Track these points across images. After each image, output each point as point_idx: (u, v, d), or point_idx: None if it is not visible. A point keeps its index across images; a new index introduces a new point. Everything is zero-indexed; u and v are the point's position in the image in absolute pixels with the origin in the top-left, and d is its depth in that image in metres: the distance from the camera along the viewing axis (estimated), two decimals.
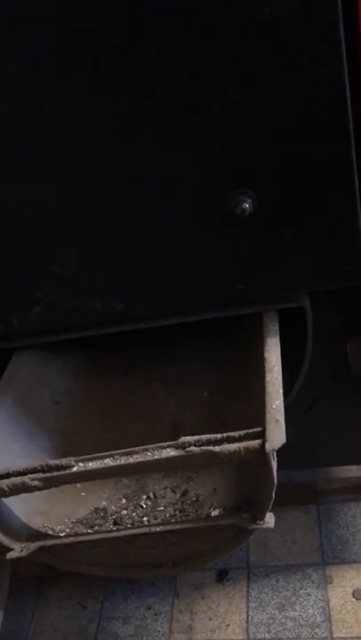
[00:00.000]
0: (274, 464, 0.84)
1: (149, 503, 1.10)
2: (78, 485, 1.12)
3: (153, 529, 0.93)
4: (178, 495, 1.10)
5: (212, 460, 0.87)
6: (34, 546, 0.97)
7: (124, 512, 1.09)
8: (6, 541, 0.96)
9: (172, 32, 0.81)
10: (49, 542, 0.97)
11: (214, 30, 0.80)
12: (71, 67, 0.84)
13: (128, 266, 1.01)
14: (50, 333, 1.11)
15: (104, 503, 1.11)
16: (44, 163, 0.92)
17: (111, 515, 1.08)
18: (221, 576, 1.41)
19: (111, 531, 1.00)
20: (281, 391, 0.90)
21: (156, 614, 1.38)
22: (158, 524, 0.95)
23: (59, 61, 0.84)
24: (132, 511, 1.09)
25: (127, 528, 0.99)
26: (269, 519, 0.89)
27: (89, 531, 1.03)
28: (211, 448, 0.86)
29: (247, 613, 1.33)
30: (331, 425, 1.27)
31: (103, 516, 1.08)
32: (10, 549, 0.97)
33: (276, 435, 0.83)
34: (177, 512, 1.06)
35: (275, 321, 1.05)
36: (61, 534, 1.03)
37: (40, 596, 1.48)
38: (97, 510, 1.10)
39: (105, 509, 1.10)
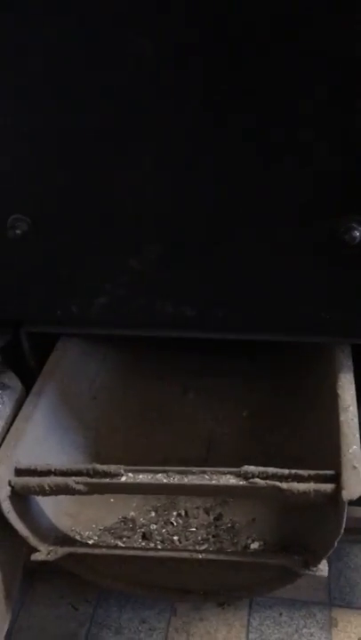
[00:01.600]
0: (345, 513, 0.79)
1: (180, 521, 1.04)
2: None
3: (194, 555, 0.87)
4: (211, 518, 1.04)
5: (275, 495, 0.82)
6: (62, 551, 0.91)
7: (154, 526, 1.03)
8: (34, 542, 0.90)
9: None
10: (80, 550, 0.91)
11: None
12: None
13: (211, 274, 0.95)
14: (107, 327, 1.05)
15: (132, 513, 1.06)
16: (146, 150, 0.86)
17: (140, 527, 1.03)
18: (222, 600, 1.36)
19: (149, 549, 0.94)
20: (358, 435, 0.85)
21: (150, 629, 1.32)
22: (200, 552, 0.89)
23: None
24: (162, 527, 1.03)
25: (166, 549, 0.94)
26: (323, 567, 0.84)
27: (120, 543, 0.97)
28: (277, 484, 0.81)
29: None
30: None
31: (132, 528, 1.02)
32: (36, 550, 0.91)
33: (355, 483, 0.78)
34: (210, 536, 1.01)
35: (348, 356, 1.00)
36: (89, 541, 0.98)
37: (30, 589, 1.41)
38: (125, 520, 1.04)
39: (133, 520, 1.04)
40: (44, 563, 0.91)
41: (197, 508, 1.07)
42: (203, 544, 0.98)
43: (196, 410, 1.26)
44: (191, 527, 1.03)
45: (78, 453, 1.08)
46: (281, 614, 1.33)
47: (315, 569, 0.84)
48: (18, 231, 0.92)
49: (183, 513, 1.06)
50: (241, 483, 0.83)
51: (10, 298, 1.02)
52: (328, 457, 0.87)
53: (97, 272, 0.97)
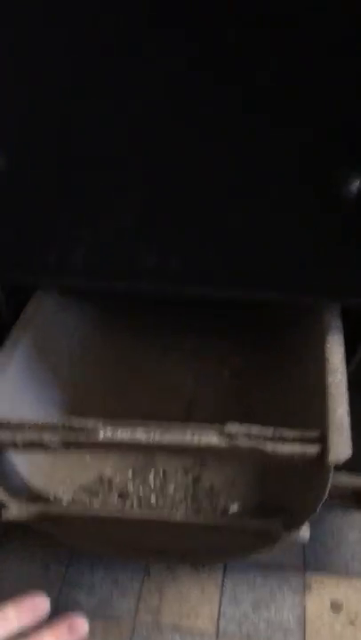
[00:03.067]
0: (330, 476, 0.77)
1: (158, 482, 1.01)
2: None
3: (173, 517, 0.84)
4: (190, 479, 1.02)
5: (258, 456, 0.79)
6: (34, 509, 0.87)
7: (131, 486, 1.00)
8: (5, 499, 0.86)
9: None
10: (53, 509, 0.88)
11: None
12: None
13: (199, 225, 0.89)
14: (87, 279, 0.99)
15: (109, 471, 1.02)
16: (135, 86, 0.79)
17: (116, 486, 1.00)
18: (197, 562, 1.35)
19: (126, 510, 0.91)
20: (346, 397, 0.82)
21: (123, 589, 1.30)
22: (178, 514, 0.86)
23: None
24: (139, 486, 1.00)
25: (143, 511, 0.90)
26: (305, 532, 0.82)
27: (95, 502, 0.94)
28: (261, 444, 0.78)
29: (219, 606, 1.27)
30: None
31: (108, 487, 0.99)
32: (7, 508, 0.87)
33: (342, 445, 0.75)
34: (188, 497, 0.98)
35: (337, 317, 0.96)
36: (63, 499, 0.94)
37: (1, 548, 1.38)
38: (101, 478, 1.01)
39: (110, 479, 1.01)
40: (15, 521, 0.87)
41: (176, 467, 1.04)
42: (180, 505, 0.96)
43: (177, 369, 1.23)
44: (169, 487, 1.00)
45: (55, 410, 1.04)
46: (255, 577, 1.32)
47: (295, 533, 0.81)
48: None
49: (161, 472, 1.03)
50: (224, 442, 0.79)
51: None
52: (314, 420, 0.84)
53: (77, 217, 0.91)
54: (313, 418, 0.85)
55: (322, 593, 1.29)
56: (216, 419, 0.84)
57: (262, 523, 0.83)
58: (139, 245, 0.93)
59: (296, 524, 0.81)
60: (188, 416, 1.14)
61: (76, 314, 1.18)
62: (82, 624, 0.61)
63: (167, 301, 1.26)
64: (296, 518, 0.82)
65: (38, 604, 0.62)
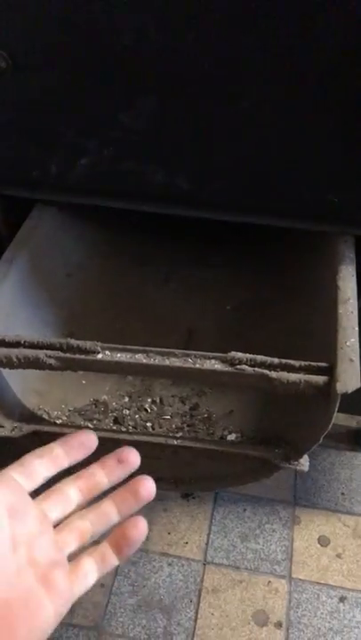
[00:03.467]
0: (336, 407, 0.74)
1: (155, 408, 0.99)
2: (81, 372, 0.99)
3: (169, 441, 0.82)
4: (187, 407, 0.99)
5: (263, 384, 0.76)
6: (27, 428, 0.85)
7: (127, 412, 0.98)
8: None
9: None
10: (46, 428, 0.85)
11: None
12: None
13: (211, 140, 0.83)
14: (90, 195, 0.94)
15: (105, 397, 1.00)
16: None
17: (112, 411, 0.97)
18: (187, 492, 1.35)
19: (121, 432, 0.89)
20: (357, 328, 0.79)
21: None
22: (176, 438, 0.84)
23: None
24: (135, 413, 0.98)
25: (139, 433, 0.88)
26: (305, 462, 0.80)
27: (90, 425, 0.92)
28: (266, 372, 0.75)
29: (208, 536, 1.28)
30: None
31: (103, 411, 0.97)
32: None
33: (350, 376, 0.72)
34: (185, 425, 0.96)
35: (351, 247, 0.92)
36: (57, 421, 0.92)
37: None
38: (97, 403, 0.98)
39: (105, 404, 0.98)
40: (6, 438, 0.85)
41: (173, 396, 1.01)
42: (177, 432, 0.94)
43: (177, 300, 1.19)
44: (166, 415, 0.98)
45: (49, 331, 1.00)
46: (245, 510, 1.33)
47: (296, 463, 0.80)
48: None
49: (158, 400, 1.00)
50: (227, 369, 0.76)
51: None
52: (319, 352, 0.81)
53: (81, 125, 0.84)
54: (321, 350, 0.82)
55: (310, 527, 1.30)
56: (217, 351, 0.81)
57: (263, 451, 0.81)
58: (145, 162, 0.87)
59: (297, 455, 0.79)
60: (187, 347, 1.11)
61: (76, 234, 1.13)
62: (132, 455, 0.60)
63: (170, 228, 1.21)
64: (297, 448, 0.80)
65: (86, 441, 0.60)
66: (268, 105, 0.79)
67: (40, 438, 0.88)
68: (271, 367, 0.76)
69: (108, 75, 0.80)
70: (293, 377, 0.74)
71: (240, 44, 0.74)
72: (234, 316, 1.16)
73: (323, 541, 1.28)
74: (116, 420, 0.95)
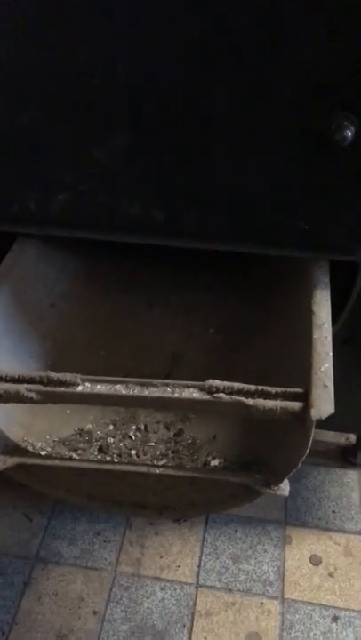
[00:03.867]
0: (312, 433, 0.75)
1: (139, 435, 1.00)
2: None
3: (152, 470, 0.83)
4: (171, 433, 1.01)
5: (240, 411, 0.77)
6: (12, 461, 0.86)
7: (111, 440, 0.99)
8: None
9: None
10: (30, 461, 0.86)
11: None
12: None
13: (184, 173, 0.85)
14: (68, 227, 0.96)
15: (89, 426, 1.01)
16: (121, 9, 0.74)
17: (96, 440, 0.98)
18: (179, 516, 1.36)
19: (104, 462, 0.90)
20: (331, 354, 0.80)
21: (105, 541, 1.31)
22: (158, 466, 0.85)
23: None
24: (120, 441, 0.99)
25: (122, 462, 0.90)
26: (285, 486, 0.81)
27: (74, 455, 0.93)
28: (243, 399, 0.76)
29: (200, 558, 1.28)
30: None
31: (88, 440, 0.98)
32: None
33: (324, 402, 0.73)
34: (169, 452, 0.97)
35: (326, 272, 0.93)
36: (42, 452, 0.93)
37: None
38: (81, 432, 1.00)
39: (90, 433, 1.00)
40: None
41: (158, 422, 1.03)
42: (162, 459, 0.95)
43: (161, 326, 1.20)
44: (150, 442, 0.99)
45: (33, 362, 1.02)
46: (236, 531, 1.33)
47: (276, 488, 0.81)
48: None
49: (143, 427, 1.02)
50: (205, 397, 0.77)
51: None
52: (298, 376, 0.83)
53: (56, 162, 0.86)
54: (297, 375, 0.83)
55: (302, 546, 1.31)
56: (200, 375, 0.82)
57: (243, 476, 0.82)
58: (120, 195, 0.89)
59: (277, 480, 0.80)
60: (171, 371, 1.12)
61: (58, 264, 1.15)
62: None
63: (152, 256, 1.23)
64: (277, 473, 0.81)
65: None
66: (237, 139, 0.81)
67: (25, 470, 0.89)
68: (248, 394, 0.77)
69: (79, 113, 0.82)
70: (270, 404, 0.75)
71: (208, 82, 0.76)
72: (217, 340, 1.18)
73: (314, 560, 1.28)
74: (100, 449, 0.96)
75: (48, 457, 0.89)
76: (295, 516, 1.36)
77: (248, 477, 0.82)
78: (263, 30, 0.71)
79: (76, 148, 0.85)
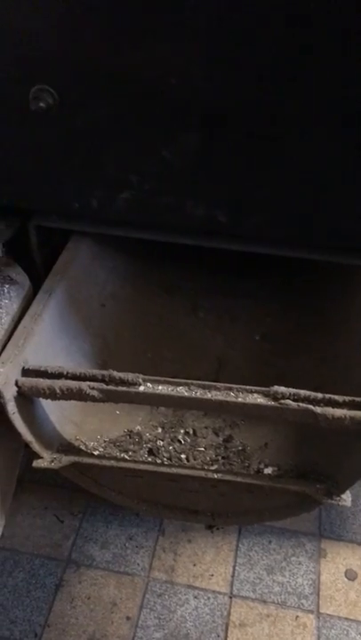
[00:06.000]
0: None
1: (188, 440, 0.99)
2: None
3: (210, 475, 0.82)
4: (221, 439, 0.99)
5: (307, 419, 0.76)
6: (67, 460, 0.85)
7: (160, 443, 0.98)
8: (37, 447, 0.83)
9: None
10: (86, 460, 0.85)
11: None
12: None
13: (252, 175, 0.85)
14: (128, 227, 0.95)
15: (138, 427, 1.00)
16: (193, 25, 0.73)
17: (146, 442, 0.97)
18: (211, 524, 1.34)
19: (161, 464, 0.89)
20: None
21: (137, 546, 1.30)
22: (216, 471, 0.84)
23: None
24: (169, 444, 0.98)
25: (180, 466, 0.88)
26: (347, 497, 0.80)
27: (126, 457, 0.92)
28: (311, 407, 0.75)
29: (234, 568, 1.27)
30: None
31: (138, 442, 0.97)
32: (38, 456, 0.85)
33: None
34: (220, 458, 0.96)
35: None
36: (94, 452, 0.92)
37: (14, 498, 1.37)
38: (131, 433, 0.99)
39: (139, 435, 0.98)
40: (45, 470, 0.85)
41: (206, 427, 1.02)
42: (212, 465, 0.94)
43: (206, 329, 1.20)
44: (200, 447, 0.98)
45: (85, 361, 1.01)
46: (270, 542, 1.31)
47: (338, 499, 0.79)
48: (42, 104, 0.80)
49: (191, 431, 1.01)
50: (270, 403, 0.76)
51: (22, 183, 0.91)
52: (356, 386, 0.82)
53: (124, 160, 0.86)
54: (356, 385, 0.82)
55: (337, 560, 1.28)
56: (249, 382, 0.81)
57: (304, 486, 0.81)
58: (185, 196, 0.89)
59: (339, 490, 0.79)
60: (218, 377, 1.11)
61: (109, 265, 1.14)
62: None
63: (196, 259, 1.22)
64: (339, 483, 0.80)
65: None
66: (311, 143, 0.80)
67: (78, 470, 0.88)
68: (315, 402, 0.76)
69: (152, 112, 0.81)
70: (338, 412, 0.74)
71: (284, 87, 0.76)
72: (263, 346, 1.17)
73: (350, 575, 1.26)
74: (150, 452, 0.95)
75: (103, 457, 0.88)
76: (330, 528, 1.34)
77: (308, 486, 0.81)
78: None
79: (145, 147, 0.84)
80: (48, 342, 0.91)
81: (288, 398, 0.77)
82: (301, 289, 1.22)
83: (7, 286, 0.90)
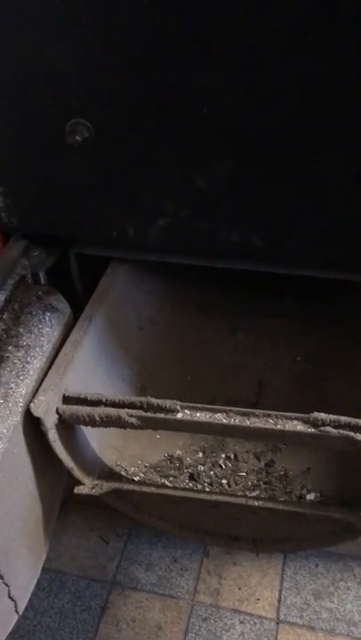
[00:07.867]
0: None
1: (229, 465, 0.99)
2: None
3: (250, 502, 0.81)
4: (262, 464, 0.98)
5: (347, 446, 0.75)
6: (108, 486, 0.85)
7: (201, 467, 0.98)
8: (78, 474, 0.84)
9: None
10: (127, 486, 0.86)
11: None
12: None
13: (287, 201, 0.85)
14: (165, 253, 0.96)
15: (179, 452, 1.00)
16: (232, 51, 0.74)
17: (187, 467, 0.97)
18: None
19: (201, 491, 0.88)
20: None
21: (182, 569, 1.29)
22: (257, 499, 0.83)
23: None
24: (210, 469, 0.98)
25: (220, 493, 0.88)
26: None
27: (166, 482, 0.92)
28: (351, 434, 0.74)
29: (280, 592, 1.25)
30: None
31: (178, 467, 0.97)
32: (79, 483, 0.86)
33: None
34: (261, 483, 0.95)
35: None
36: (135, 478, 0.92)
37: (58, 519, 1.39)
38: (171, 458, 0.99)
39: (180, 459, 0.98)
40: (87, 496, 0.86)
41: (247, 452, 1.01)
42: (253, 490, 0.93)
43: (246, 351, 1.19)
44: (241, 471, 0.97)
45: (124, 385, 1.02)
46: (317, 565, 1.29)
47: None
48: (78, 137, 0.82)
49: (232, 456, 1.00)
50: (310, 430, 0.75)
51: (62, 213, 0.94)
52: None
53: (160, 189, 0.87)
54: None
55: None
56: (290, 404, 0.81)
57: (347, 513, 0.79)
58: (220, 221, 0.89)
59: None
60: (259, 399, 1.10)
61: (146, 288, 1.15)
62: None
63: (232, 280, 1.22)
64: None
65: None
66: (350, 169, 0.79)
67: (119, 496, 0.89)
68: (356, 429, 0.75)
69: (186, 141, 0.82)
70: None
71: (323, 113, 0.76)
72: (304, 367, 1.15)
73: None
74: (191, 477, 0.95)
75: (143, 483, 0.89)
76: None
77: (352, 514, 0.79)
78: None
79: (179, 176, 0.85)
80: (88, 368, 0.92)
81: (328, 425, 0.75)
82: (344, 308, 1.20)
83: (48, 314, 0.92)
